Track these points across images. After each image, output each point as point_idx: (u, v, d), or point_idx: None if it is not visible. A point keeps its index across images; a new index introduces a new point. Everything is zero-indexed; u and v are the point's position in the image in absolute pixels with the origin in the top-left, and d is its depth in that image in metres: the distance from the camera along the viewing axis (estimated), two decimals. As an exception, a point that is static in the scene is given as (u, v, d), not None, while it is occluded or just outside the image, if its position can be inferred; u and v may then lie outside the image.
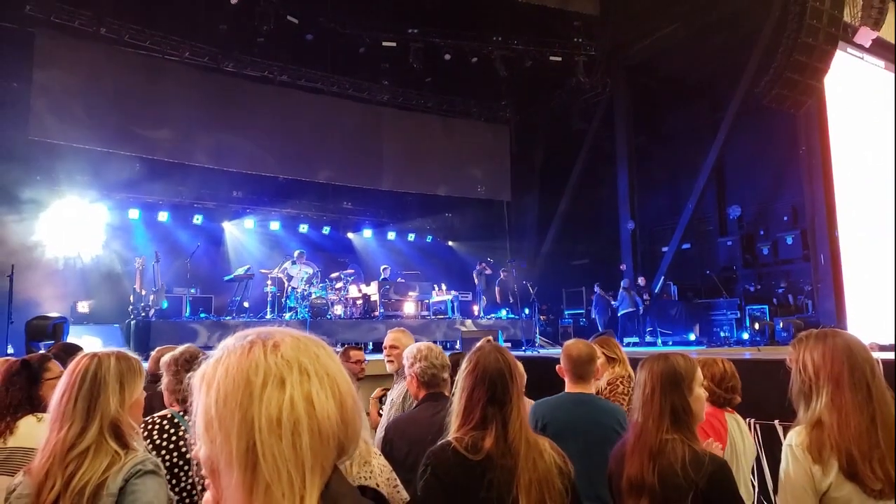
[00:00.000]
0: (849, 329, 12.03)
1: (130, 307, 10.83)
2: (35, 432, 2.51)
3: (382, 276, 13.46)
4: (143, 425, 2.61)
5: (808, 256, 13.45)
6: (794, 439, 2.08)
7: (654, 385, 2.27)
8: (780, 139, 13.79)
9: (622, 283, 13.95)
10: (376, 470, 2.28)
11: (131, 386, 2.01)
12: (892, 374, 4.12)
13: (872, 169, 14.13)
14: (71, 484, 1.79)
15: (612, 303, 13.97)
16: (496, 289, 14.94)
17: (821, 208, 13.05)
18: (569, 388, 3.24)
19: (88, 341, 9.08)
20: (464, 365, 2.28)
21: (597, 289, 14.25)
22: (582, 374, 3.21)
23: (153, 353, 4.11)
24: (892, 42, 14.57)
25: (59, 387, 1.94)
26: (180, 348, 3.21)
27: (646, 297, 13.82)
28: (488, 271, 14.85)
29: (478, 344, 2.41)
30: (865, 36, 13.38)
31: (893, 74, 14.46)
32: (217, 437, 0.92)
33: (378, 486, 2.18)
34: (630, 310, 13.62)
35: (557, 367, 3.35)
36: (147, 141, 12.74)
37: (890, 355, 5.90)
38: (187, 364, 2.83)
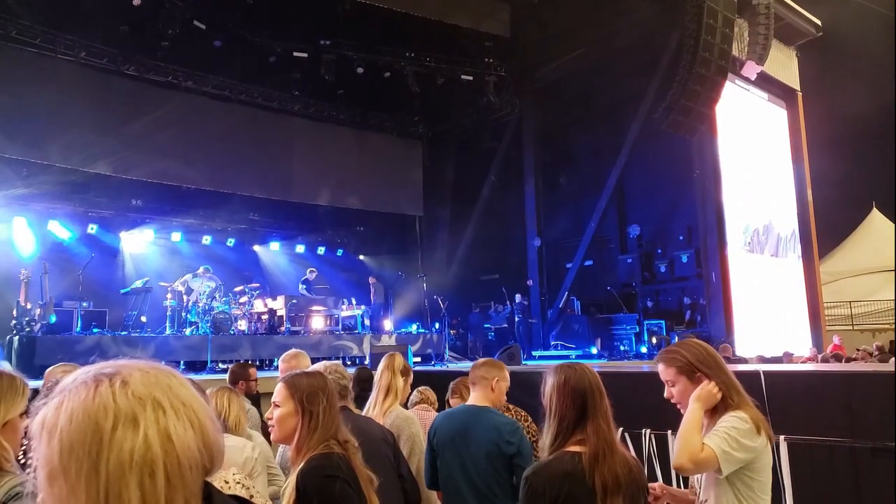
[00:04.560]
0: (736, 342, 12.80)
1: (13, 321, 10.10)
2: None
3: (305, 277, 13.66)
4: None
5: (701, 274, 14.21)
6: (744, 416, 2.30)
7: (601, 389, 2.31)
8: (676, 162, 14.55)
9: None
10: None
11: (7, 405, 1.90)
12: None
13: (757, 191, 15.17)
14: None
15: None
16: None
17: (712, 228, 13.87)
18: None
19: (-36, 358, 8.41)
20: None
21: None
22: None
23: (47, 372, 3.83)
24: (777, 79, 15.79)
25: None
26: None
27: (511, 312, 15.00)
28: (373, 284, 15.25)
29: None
30: (751, 70, 14.42)
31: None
32: (63, 490, 0.86)
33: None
34: (503, 326, 14.87)
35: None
36: (39, 145, 11.95)
37: (771, 367, 6.33)
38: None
